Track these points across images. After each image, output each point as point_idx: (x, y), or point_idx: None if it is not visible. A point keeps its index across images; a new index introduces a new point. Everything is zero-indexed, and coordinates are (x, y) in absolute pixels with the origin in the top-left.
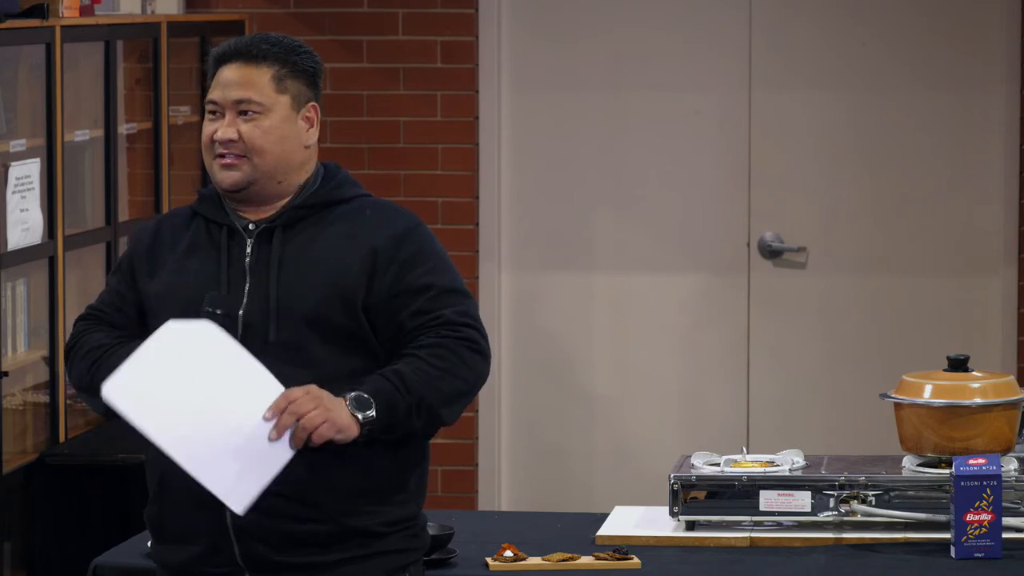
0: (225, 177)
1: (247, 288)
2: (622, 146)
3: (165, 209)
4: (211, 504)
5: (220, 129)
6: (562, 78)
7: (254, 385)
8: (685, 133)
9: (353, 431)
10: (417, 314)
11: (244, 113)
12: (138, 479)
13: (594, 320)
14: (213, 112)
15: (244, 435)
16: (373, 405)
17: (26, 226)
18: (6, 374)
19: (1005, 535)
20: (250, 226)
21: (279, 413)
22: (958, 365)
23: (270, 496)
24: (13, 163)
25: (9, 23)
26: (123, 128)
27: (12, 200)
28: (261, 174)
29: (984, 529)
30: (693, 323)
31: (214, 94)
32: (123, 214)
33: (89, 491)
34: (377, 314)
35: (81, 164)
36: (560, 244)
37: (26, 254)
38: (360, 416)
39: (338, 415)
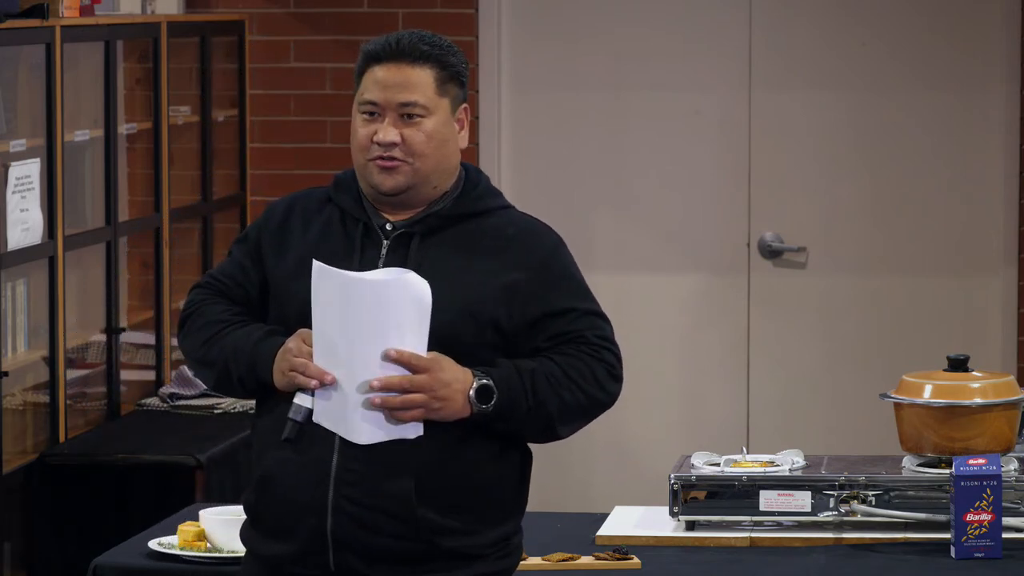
0: (385, 180)
1: None
2: (622, 146)
3: (165, 209)
4: (314, 509)
5: (381, 131)
6: (562, 78)
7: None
8: (685, 133)
9: (457, 417)
10: (556, 336)
11: (407, 116)
12: (138, 479)
13: None
14: (370, 113)
15: (367, 393)
16: (494, 398)
17: (26, 226)
18: (6, 374)
19: (1005, 535)
20: (387, 226)
21: (398, 362)
22: (958, 365)
23: (369, 511)
24: (13, 163)
25: (9, 23)
26: (123, 128)
27: (12, 200)
28: (421, 178)
29: (984, 529)
30: (693, 323)
31: (373, 95)
32: (123, 214)
33: (89, 491)
34: (515, 338)
35: (81, 164)
36: None
37: (26, 254)
38: (475, 406)
39: (445, 413)
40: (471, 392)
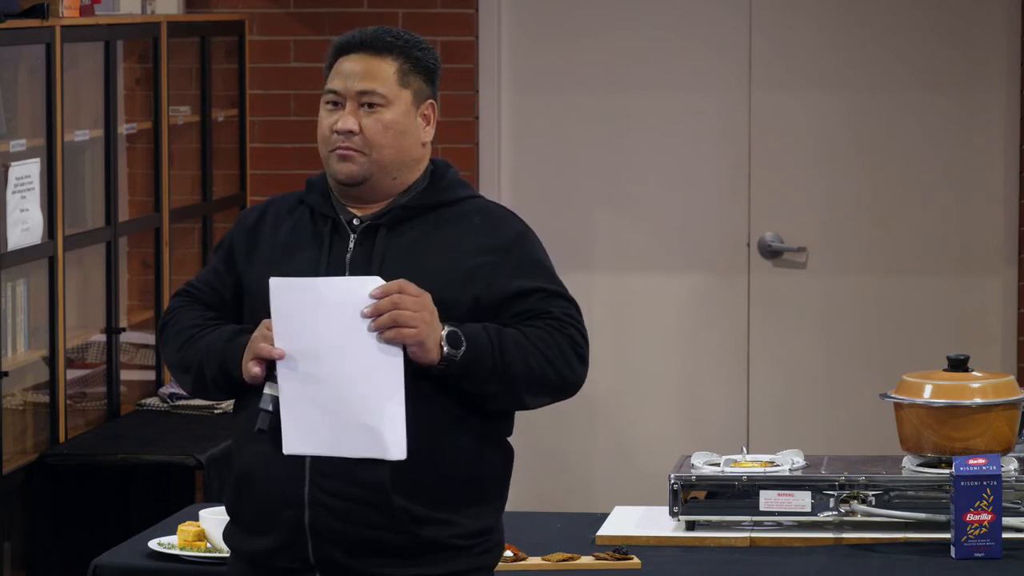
0: (341, 169)
1: None
2: (622, 146)
3: (165, 209)
4: (290, 501)
5: (340, 120)
6: (562, 78)
7: (382, 364)
8: (685, 133)
9: (432, 356)
10: (522, 313)
11: (366, 105)
12: (138, 479)
13: (594, 320)
14: (334, 103)
15: (344, 409)
16: (463, 348)
17: (26, 226)
18: (6, 374)
19: (1005, 535)
20: (355, 221)
21: (385, 295)
22: (958, 365)
23: (345, 502)
24: (13, 163)
25: (9, 23)
26: (123, 128)
27: (12, 200)
28: (378, 168)
29: (984, 529)
30: (693, 323)
31: (335, 84)
32: (123, 214)
33: (89, 491)
34: (481, 320)
35: (81, 164)
36: (560, 244)
37: (26, 254)
38: (446, 350)
39: (430, 335)
40: (443, 331)
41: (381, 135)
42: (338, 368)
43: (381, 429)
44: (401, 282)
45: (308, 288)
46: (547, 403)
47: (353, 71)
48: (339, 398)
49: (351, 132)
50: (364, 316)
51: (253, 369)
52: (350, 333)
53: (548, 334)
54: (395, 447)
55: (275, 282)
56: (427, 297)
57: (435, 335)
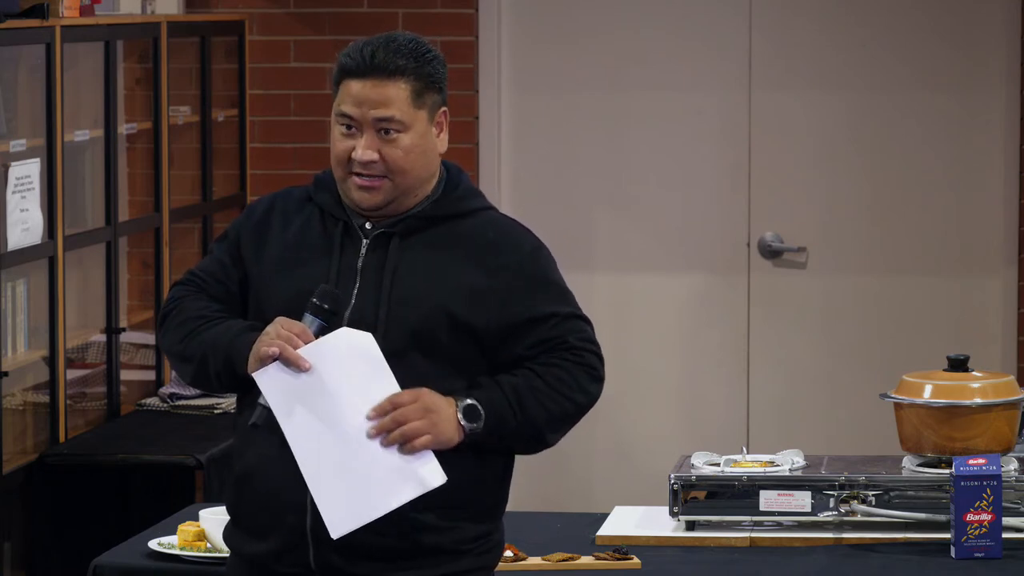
0: (364, 198)
1: (356, 290)
2: (622, 146)
3: (165, 209)
4: (294, 506)
5: (359, 149)
6: (562, 78)
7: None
8: (685, 133)
9: (454, 442)
10: (539, 344)
11: (383, 131)
12: (138, 479)
13: (594, 320)
14: (347, 126)
15: (369, 463)
16: (482, 418)
17: (26, 226)
18: (6, 374)
19: (1005, 535)
20: (367, 226)
21: (382, 415)
22: (958, 365)
23: None
24: (13, 163)
25: (9, 23)
26: (123, 128)
27: (12, 200)
28: (401, 191)
29: (984, 529)
30: (693, 323)
31: (349, 109)
32: (123, 214)
33: (89, 491)
34: (493, 341)
35: (81, 164)
36: (560, 244)
37: (26, 254)
38: (466, 427)
39: (443, 429)
40: (459, 414)
41: (402, 160)
42: (347, 424)
43: (412, 464)
44: (390, 398)
45: (287, 363)
46: (567, 432)
47: (366, 97)
48: (359, 454)
49: (372, 162)
50: (369, 437)
51: (270, 350)
52: (343, 387)
53: (566, 371)
54: (431, 475)
55: (259, 375)
56: (424, 395)
57: (449, 425)
